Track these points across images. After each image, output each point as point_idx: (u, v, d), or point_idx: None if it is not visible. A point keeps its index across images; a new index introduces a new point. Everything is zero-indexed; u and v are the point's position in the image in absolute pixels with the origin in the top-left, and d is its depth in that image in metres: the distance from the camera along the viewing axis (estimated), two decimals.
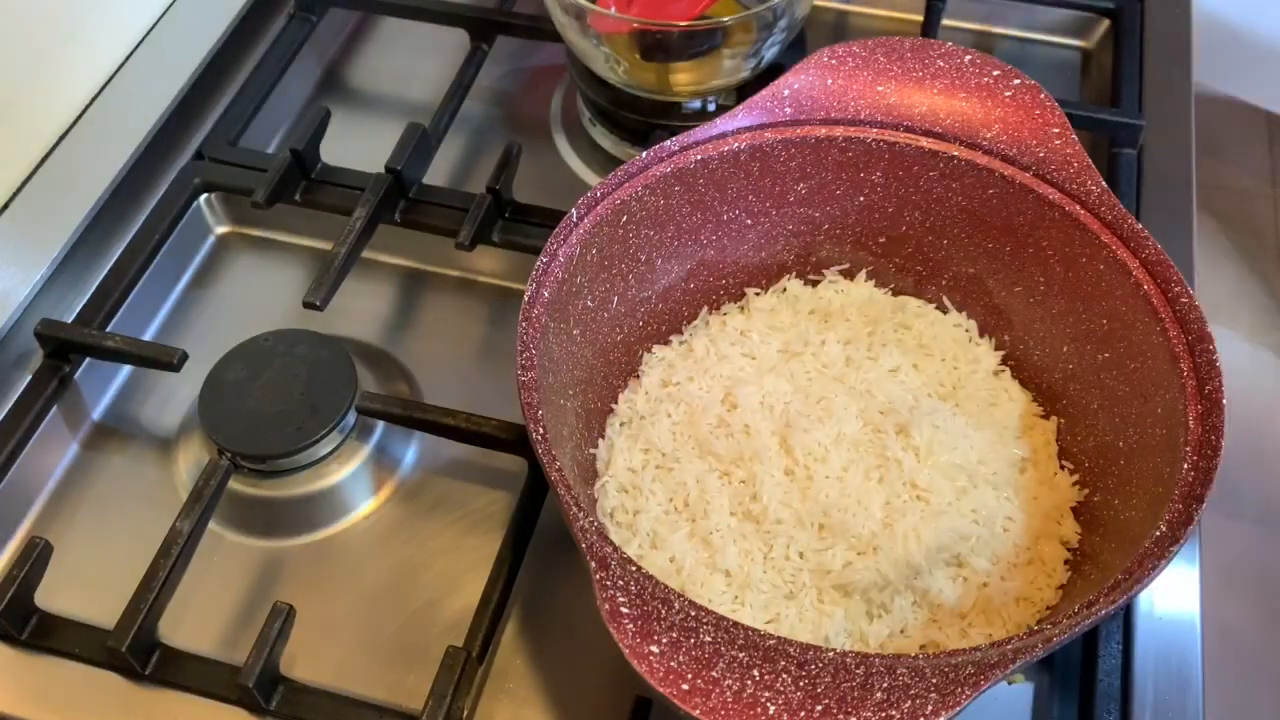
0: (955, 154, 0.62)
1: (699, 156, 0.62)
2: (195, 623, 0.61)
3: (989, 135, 0.62)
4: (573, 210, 0.58)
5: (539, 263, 0.57)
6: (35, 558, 0.58)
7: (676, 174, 0.62)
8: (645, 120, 0.78)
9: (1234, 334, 1.72)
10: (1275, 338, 1.73)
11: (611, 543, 0.47)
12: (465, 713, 0.56)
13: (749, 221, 0.66)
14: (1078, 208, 0.60)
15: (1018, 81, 0.63)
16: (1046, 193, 0.61)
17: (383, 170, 0.73)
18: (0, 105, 0.74)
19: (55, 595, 0.60)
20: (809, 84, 0.64)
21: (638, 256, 0.63)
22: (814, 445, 0.59)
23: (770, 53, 0.75)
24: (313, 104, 0.87)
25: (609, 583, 0.45)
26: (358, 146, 0.79)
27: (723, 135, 0.62)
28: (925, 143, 0.63)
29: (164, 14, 0.85)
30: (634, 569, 0.46)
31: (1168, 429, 0.54)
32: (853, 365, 0.63)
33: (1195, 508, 0.49)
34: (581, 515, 0.48)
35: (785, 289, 0.68)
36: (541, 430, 0.51)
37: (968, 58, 0.64)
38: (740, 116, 0.63)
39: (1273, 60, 1.61)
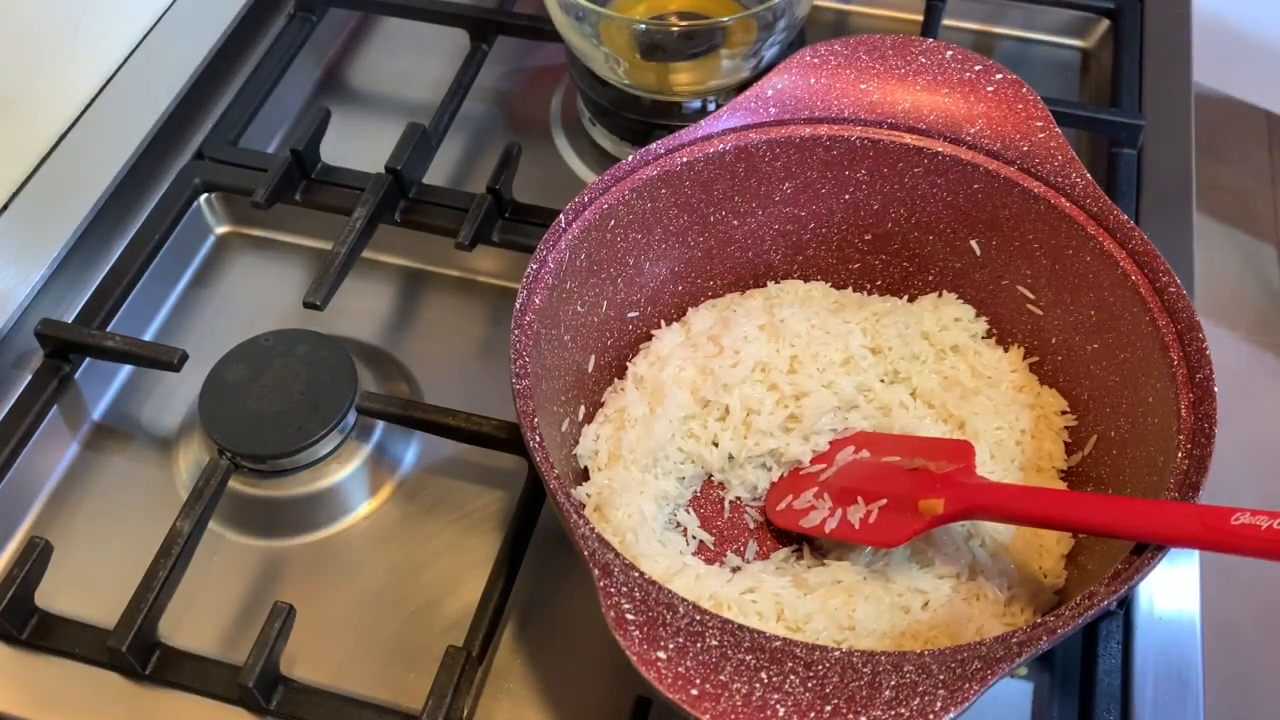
0: (939, 150, 0.62)
1: (684, 159, 0.62)
2: (195, 623, 0.61)
3: (972, 130, 0.62)
4: (560, 216, 0.58)
5: (529, 269, 0.57)
6: (35, 558, 0.58)
7: (662, 177, 0.61)
8: (645, 120, 0.78)
9: (1233, 334, 1.72)
10: (1274, 338, 1.73)
11: (613, 549, 0.47)
12: (465, 713, 0.56)
13: (735, 222, 0.65)
14: (1063, 200, 0.60)
15: (999, 76, 0.63)
16: (1031, 186, 0.60)
17: (383, 170, 0.73)
18: (1, 105, 0.74)
19: (55, 595, 0.60)
20: (792, 83, 0.64)
21: (625, 260, 0.63)
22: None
23: (770, 53, 0.75)
24: (313, 104, 0.87)
25: (613, 589, 0.45)
26: (358, 146, 0.79)
27: (707, 137, 0.62)
28: (909, 139, 0.63)
29: (164, 14, 0.85)
30: (636, 574, 0.46)
31: (1160, 418, 0.54)
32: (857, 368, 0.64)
33: (1192, 496, 0.49)
34: (582, 523, 0.48)
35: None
36: (538, 438, 0.51)
37: (949, 54, 0.64)
38: (725, 117, 0.62)
39: (1273, 60, 1.61)
